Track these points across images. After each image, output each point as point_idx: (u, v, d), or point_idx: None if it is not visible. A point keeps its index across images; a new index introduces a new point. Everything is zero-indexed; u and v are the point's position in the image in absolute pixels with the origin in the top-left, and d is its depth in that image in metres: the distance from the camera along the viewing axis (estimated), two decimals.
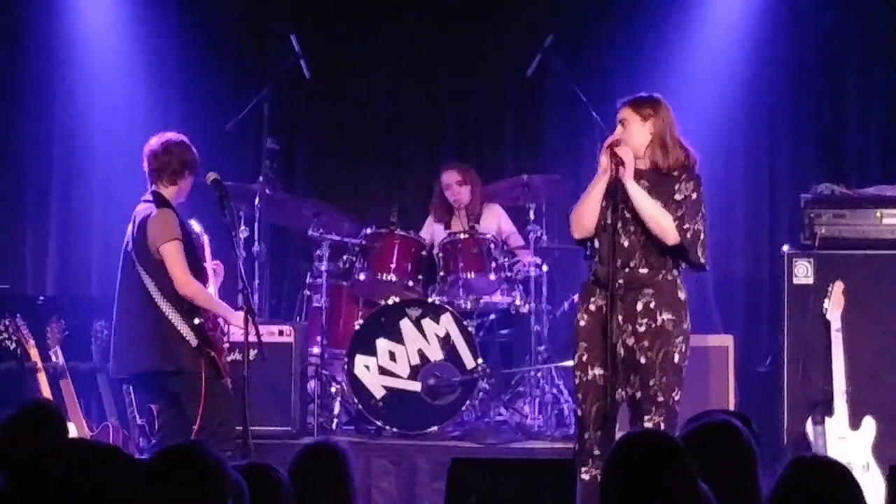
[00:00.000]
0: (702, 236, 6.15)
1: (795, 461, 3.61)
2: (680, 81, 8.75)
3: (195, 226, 6.84)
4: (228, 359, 6.75)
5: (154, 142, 6.66)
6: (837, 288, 7.31)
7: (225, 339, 6.75)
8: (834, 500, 3.47)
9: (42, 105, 9.20)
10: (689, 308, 6.24)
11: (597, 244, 6.22)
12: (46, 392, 7.19)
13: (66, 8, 9.21)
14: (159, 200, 6.56)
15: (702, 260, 6.18)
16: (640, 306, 6.12)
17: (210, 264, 6.84)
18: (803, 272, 7.50)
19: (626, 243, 6.09)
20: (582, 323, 6.20)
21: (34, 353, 7.36)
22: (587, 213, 6.16)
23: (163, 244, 6.46)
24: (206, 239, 6.89)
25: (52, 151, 9.15)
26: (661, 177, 6.17)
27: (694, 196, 6.14)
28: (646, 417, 6.09)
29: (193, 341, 6.49)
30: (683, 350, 6.16)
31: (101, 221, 9.18)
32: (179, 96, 9.26)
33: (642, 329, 6.09)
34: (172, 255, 6.47)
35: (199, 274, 6.60)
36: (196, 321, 6.50)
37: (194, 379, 6.46)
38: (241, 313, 6.54)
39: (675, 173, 6.17)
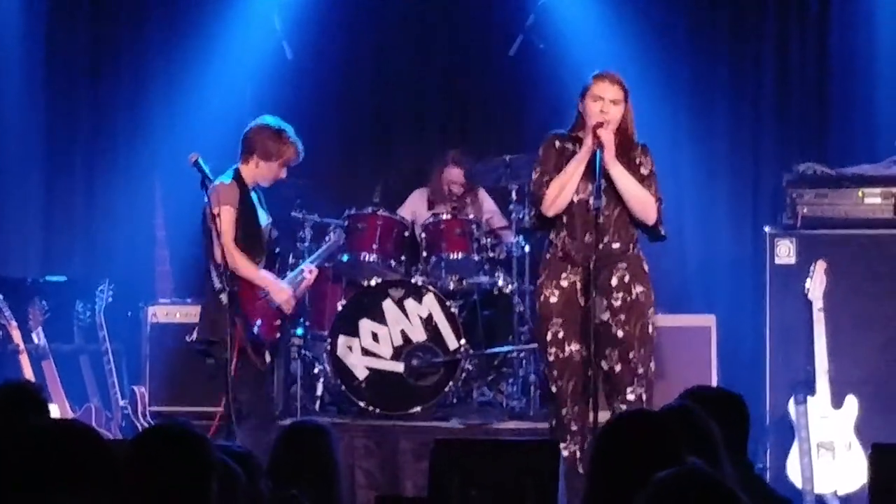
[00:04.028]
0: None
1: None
2: (661, 58, 8.74)
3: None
4: None
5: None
6: (819, 267, 7.32)
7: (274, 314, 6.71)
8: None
9: (27, 90, 9.16)
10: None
11: (564, 220, 6.27)
12: (29, 373, 7.19)
13: None
14: (233, 174, 6.67)
15: (664, 232, 6.30)
16: (615, 281, 6.21)
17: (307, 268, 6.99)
18: (785, 252, 7.51)
19: (600, 219, 6.13)
20: (553, 299, 6.24)
21: (16, 335, 7.35)
22: (567, 191, 6.22)
23: (217, 207, 6.50)
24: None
25: (33, 136, 9.09)
26: (622, 154, 6.23)
27: (654, 168, 6.32)
28: (628, 390, 6.18)
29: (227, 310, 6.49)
30: (655, 322, 6.28)
31: (83, 203, 9.14)
32: (163, 80, 9.21)
33: (618, 303, 6.18)
34: (222, 221, 6.49)
35: (253, 250, 6.60)
36: (233, 290, 6.50)
37: (226, 349, 6.45)
38: (289, 289, 6.66)
39: (633, 148, 6.28)
